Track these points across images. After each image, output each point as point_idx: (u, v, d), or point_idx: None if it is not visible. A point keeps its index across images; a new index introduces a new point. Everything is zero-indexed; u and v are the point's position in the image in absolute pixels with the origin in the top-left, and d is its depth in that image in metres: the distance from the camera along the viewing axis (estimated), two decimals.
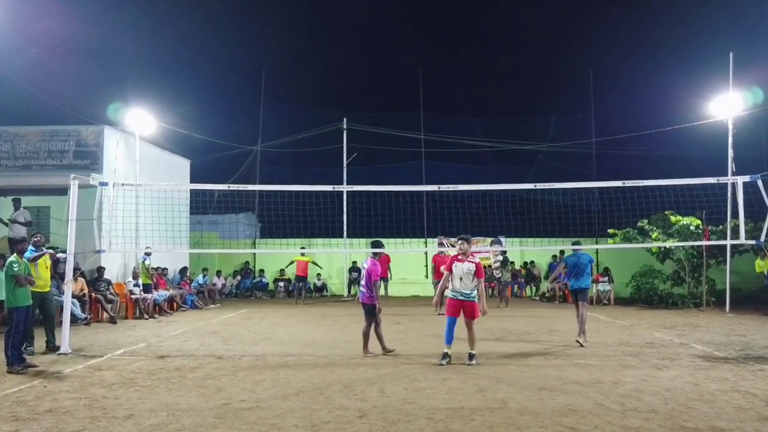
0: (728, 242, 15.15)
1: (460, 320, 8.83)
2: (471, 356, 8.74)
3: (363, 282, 9.61)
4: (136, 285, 15.38)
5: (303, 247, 19.96)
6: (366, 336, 9.56)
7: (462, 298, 8.76)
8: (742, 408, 6.22)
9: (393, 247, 17.68)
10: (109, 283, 14.97)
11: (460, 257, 8.93)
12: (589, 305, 11.46)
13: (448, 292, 9.03)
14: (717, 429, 5.53)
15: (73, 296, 12.59)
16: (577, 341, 10.51)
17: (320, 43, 33.75)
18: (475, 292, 8.80)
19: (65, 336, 9.78)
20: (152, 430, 5.59)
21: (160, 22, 31.50)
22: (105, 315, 14.19)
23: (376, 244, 10.14)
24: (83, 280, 13.88)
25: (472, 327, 8.80)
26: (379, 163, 25.86)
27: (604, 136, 24.37)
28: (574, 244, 11.34)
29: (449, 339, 8.80)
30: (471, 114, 27.53)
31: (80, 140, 16.31)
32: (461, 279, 8.78)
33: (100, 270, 14.75)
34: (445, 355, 8.74)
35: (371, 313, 9.50)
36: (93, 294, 14.15)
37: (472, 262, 8.85)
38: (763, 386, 7.20)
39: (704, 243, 16.12)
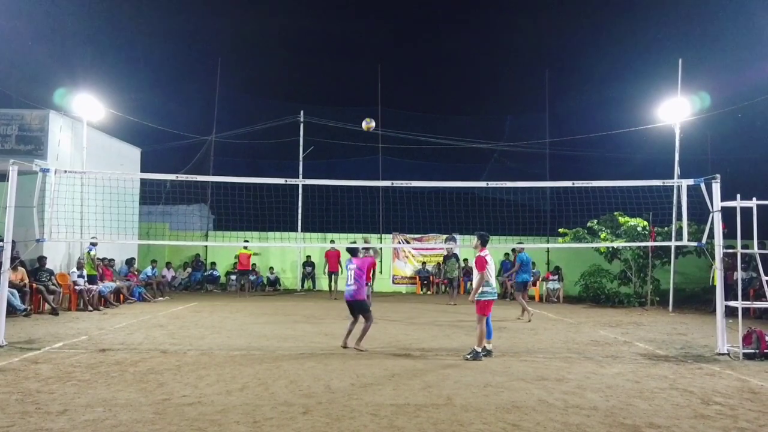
0: (673, 243, 15.58)
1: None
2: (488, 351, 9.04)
3: (352, 280, 9.41)
4: (81, 276, 14.92)
5: (246, 240, 19.64)
6: (365, 331, 9.49)
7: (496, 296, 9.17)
8: (680, 405, 6.38)
9: (347, 242, 17.61)
10: (51, 273, 14.47)
11: (486, 256, 9.06)
12: (536, 302, 13.07)
13: (482, 295, 8.96)
14: (654, 426, 5.65)
15: (14, 286, 12.14)
16: (529, 320, 13.52)
17: (278, 33, 33.25)
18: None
19: (0, 327, 9.38)
20: (87, 425, 5.38)
21: (112, 3, 30.52)
22: (46, 306, 13.71)
23: (353, 251, 9.93)
24: (23, 269, 13.38)
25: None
26: (335, 157, 25.70)
27: (557, 137, 24.81)
28: (518, 243, 11.86)
29: (491, 334, 9.19)
30: (428, 111, 27.64)
31: (24, 125, 15.74)
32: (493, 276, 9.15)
33: (42, 260, 14.25)
34: (487, 351, 9.02)
35: (363, 309, 9.50)
36: (34, 284, 13.64)
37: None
38: (700, 384, 7.41)
39: (650, 244, 16.58)
